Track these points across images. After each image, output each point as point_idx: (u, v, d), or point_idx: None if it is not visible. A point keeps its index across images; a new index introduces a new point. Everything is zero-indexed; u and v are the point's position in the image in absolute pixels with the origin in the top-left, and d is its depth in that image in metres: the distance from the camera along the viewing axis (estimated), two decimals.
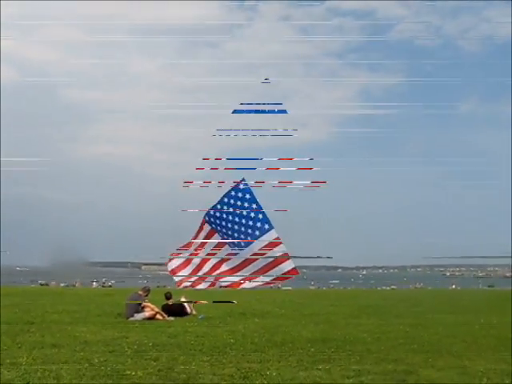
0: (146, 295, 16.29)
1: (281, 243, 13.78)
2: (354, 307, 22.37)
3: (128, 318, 15.54)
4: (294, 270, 13.49)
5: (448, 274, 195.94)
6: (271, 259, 13.67)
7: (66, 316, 16.10)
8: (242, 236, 14.19)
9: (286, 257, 13.73)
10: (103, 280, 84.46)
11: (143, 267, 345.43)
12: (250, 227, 14.11)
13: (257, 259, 13.85)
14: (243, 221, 14.25)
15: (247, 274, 14.00)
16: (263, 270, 13.72)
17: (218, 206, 14.66)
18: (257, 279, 13.77)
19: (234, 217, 14.33)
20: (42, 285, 70.63)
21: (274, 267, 13.62)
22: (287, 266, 13.52)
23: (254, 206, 14.07)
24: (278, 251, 13.71)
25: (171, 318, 15.91)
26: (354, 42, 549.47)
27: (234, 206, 14.30)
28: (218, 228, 14.68)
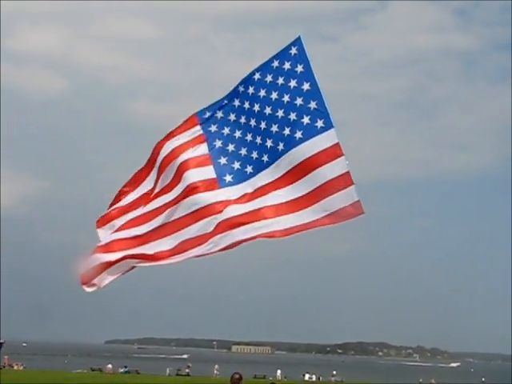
0: None
1: (341, 155, 10.57)
2: None
3: None
4: (356, 205, 10.38)
5: None
6: (318, 183, 10.70)
7: None
8: (270, 142, 11.23)
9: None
10: (181, 366, 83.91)
11: (234, 347, 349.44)
12: (288, 124, 11.00)
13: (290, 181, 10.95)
14: (279, 112, 11.15)
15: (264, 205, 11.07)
16: (304, 201, 10.77)
17: (240, 89, 11.63)
18: (290, 215, 10.84)
19: (264, 107, 11.30)
20: (93, 370, 70.86)
21: (323, 197, 10.65)
22: (345, 197, 10.47)
23: (307, 86, 11.08)
24: (332, 169, 10.65)
25: None
26: None
27: (271, 87, 11.29)
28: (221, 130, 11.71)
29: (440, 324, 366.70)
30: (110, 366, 77.01)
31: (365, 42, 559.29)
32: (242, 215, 11.22)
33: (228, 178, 11.58)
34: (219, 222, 11.19)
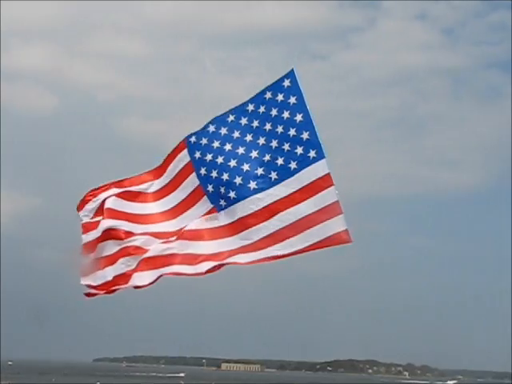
0: None
1: (332, 185, 10.88)
2: None
3: None
4: (344, 234, 10.62)
5: None
6: (308, 212, 10.94)
7: None
8: (260, 170, 11.35)
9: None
10: None
11: (223, 365, 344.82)
12: (282, 154, 11.22)
13: (279, 211, 11.15)
14: (273, 143, 11.34)
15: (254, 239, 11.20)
16: (293, 229, 10.97)
17: (230, 118, 11.80)
18: (271, 248, 11.03)
19: (258, 137, 11.51)
20: None
21: (311, 226, 10.86)
22: (334, 226, 10.69)
23: (299, 117, 11.27)
24: (322, 198, 10.89)
25: None
26: None
27: (264, 118, 11.48)
28: (209, 158, 11.75)
29: (430, 341, 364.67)
30: None
31: (353, 60, 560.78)
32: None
33: (222, 203, 11.63)
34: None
